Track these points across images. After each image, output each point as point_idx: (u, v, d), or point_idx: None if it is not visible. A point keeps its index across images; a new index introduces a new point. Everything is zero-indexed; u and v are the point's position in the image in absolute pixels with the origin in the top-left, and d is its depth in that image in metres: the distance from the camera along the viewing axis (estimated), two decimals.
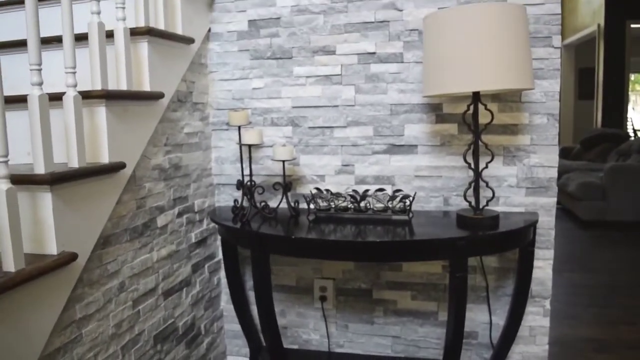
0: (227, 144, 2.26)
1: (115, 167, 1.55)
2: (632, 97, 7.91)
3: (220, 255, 2.34)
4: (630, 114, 7.97)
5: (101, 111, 1.54)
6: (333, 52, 2.11)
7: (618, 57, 6.96)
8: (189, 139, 2.08)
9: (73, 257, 1.36)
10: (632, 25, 6.85)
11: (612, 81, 7.08)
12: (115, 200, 1.60)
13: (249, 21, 2.18)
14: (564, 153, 7.05)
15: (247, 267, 2.33)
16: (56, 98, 1.45)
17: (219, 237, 2.31)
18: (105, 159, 1.55)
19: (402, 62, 2.06)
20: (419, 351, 2.21)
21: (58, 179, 1.32)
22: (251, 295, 2.35)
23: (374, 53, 2.08)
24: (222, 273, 2.36)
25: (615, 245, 4.56)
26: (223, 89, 2.24)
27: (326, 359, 2.22)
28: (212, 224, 2.26)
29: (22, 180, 1.29)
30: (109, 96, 1.53)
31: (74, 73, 1.43)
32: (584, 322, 2.91)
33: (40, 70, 1.30)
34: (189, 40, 2.01)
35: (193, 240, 2.11)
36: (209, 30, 2.22)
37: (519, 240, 1.80)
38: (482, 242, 1.72)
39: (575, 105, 8.35)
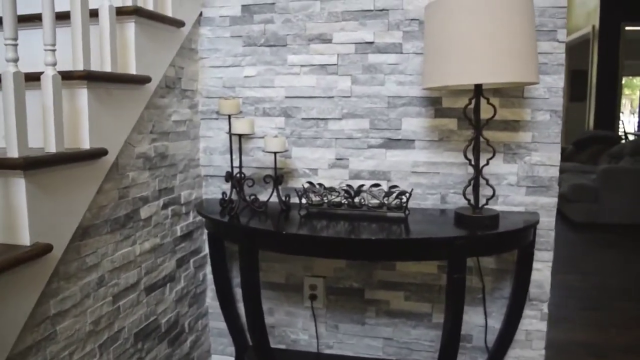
0: (217, 134, 2.17)
1: (96, 154, 1.46)
2: (622, 100, 7.90)
3: (206, 250, 2.25)
4: (622, 116, 7.96)
5: (82, 93, 1.44)
6: (329, 41, 2.03)
7: (612, 59, 6.93)
8: (177, 127, 1.98)
9: (48, 248, 1.27)
10: (627, 28, 6.83)
11: (605, 83, 7.06)
12: (95, 189, 1.50)
13: (243, 6, 2.09)
14: None
15: (235, 263, 2.24)
16: (34, 78, 1.35)
17: (205, 231, 2.21)
18: (85, 144, 1.45)
19: (402, 52, 1.97)
20: (411, 354, 2.13)
21: (32, 164, 1.22)
22: (238, 293, 2.25)
23: (372, 42, 1.99)
24: (208, 269, 2.27)
25: (608, 247, 4.52)
26: (214, 76, 2.14)
27: (315, 359, 2.14)
28: (199, 217, 2.17)
29: None
30: (92, 77, 1.43)
31: (54, 51, 1.33)
32: (578, 325, 2.86)
33: (15, 45, 1.20)
34: (179, 23, 1.91)
35: (178, 234, 2.02)
36: (201, 14, 2.12)
37: (520, 241, 1.73)
38: (482, 242, 1.65)
39: (567, 107, 8.33)
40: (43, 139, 1.34)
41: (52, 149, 1.32)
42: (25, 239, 1.24)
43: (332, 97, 2.04)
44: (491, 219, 1.70)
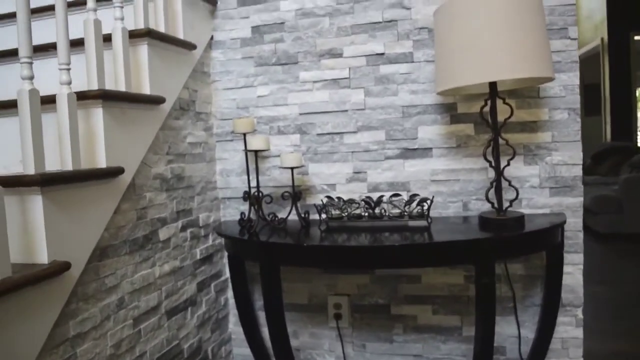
0: (232, 156, 2.16)
1: (112, 172, 1.45)
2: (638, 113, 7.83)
3: (227, 274, 2.21)
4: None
5: (98, 113, 1.45)
6: (340, 55, 2.03)
7: (624, 70, 6.88)
8: (192, 149, 1.98)
9: (66, 266, 1.25)
10: (637, 37, 6.80)
11: (619, 96, 6.99)
12: (113, 209, 1.49)
13: (252, 27, 2.11)
14: None
15: (257, 286, 2.20)
16: (50, 101, 1.36)
17: (225, 255, 2.18)
18: (102, 163, 1.45)
19: (413, 61, 1.96)
20: None
21: (49, 180, 1.21)
22: (261, 317, 2.20)
23: (382, 54, 1.99)
24: (230, 293, 2.23)
25: (634, 256, 4.39)
26: (227, 98, 2.15)
27: None
28: (218, 240, 2.14)
29: (10, 182, 1.18)
30: (106, 96, 1.44)
31: (68, 70, 1.34)
32: (614, 335, 2.75)
33: (31, 63, 1.21)
34: (191, 46, 1.93)
35: (198, 257, 1.99)
36: (212, 38, 2.14)
37: (548, 241, 1.68)
38: (509, 243, 1.59)
39: (584, 122, 8.25)
40: (60, 160, 1.34)
41: (69, 167, 1.32)
42: (43, 257, 1.22)
43: (346, 110, 2.03)
44: (516, 221, 1.65)
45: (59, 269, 1.22)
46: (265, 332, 2.19)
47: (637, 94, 7.30)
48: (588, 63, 8.09)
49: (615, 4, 6.82)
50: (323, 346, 2.17)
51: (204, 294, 2.03)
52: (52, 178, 1.22)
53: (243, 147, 1.96)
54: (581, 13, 7.85)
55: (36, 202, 1.21)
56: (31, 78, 1.21)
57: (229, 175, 2.17)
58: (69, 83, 1.33)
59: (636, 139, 7.18)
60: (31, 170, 1.20)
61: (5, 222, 1.09)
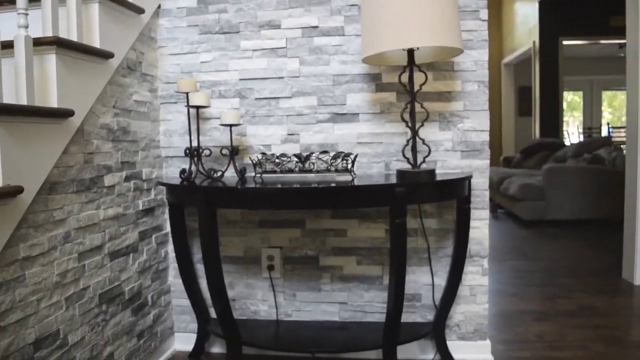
0: (176, 117, 2.31)
1: (63, 113, 1.58)
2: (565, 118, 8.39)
3: (167, 228, 2.36)
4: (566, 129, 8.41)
5: (51, 59, 1.58)
6: (278, 27, 2.22)
7: (553, 73, 7.39)
8: (138, 107, 2.12)
9: (18, 189, 1.38)
10: (565, 42, 7.31)
11: (548, 97, 7.50)
12: (62, 148, 1.62)
13: None
14: (506, 162, 7.38)
15: (195, 240, 2.35)
16: (8, 46, 1.48)
17: (166, 210, 2.33)
18: (54, 105, 1.58)
19: (344, 35, 2.18)
20: (365, 316, 2.27)
21: (6, 110, 1.34)
22: (199, 269, 2.36)
23: (317, 27, 2.19)
24: (170, 247, 2.37)
25: (554, 238, 4.79)
26: (172, 62, 2.30)
27: (275, 327, 2.25)
28: (160, 196, 2.29)
29: None
30: (60, 44, 1.57)
31: (26, 15, 1.47)
32: (524, 298, 3.05)
33: None
34: (139, 10, 2.07)
35: (140, 208, 2.13)
36: (159, 6, 2.29)
37: (455, 190, 1.91)
38: (420, 189, 1.82)
39: (516, 121, 8.77)
40: (16, 99, 1.47)
41: (23, 102, 1.45)
42: None
43: (282, 77, 2.22)
44: (429, 173, 1.88)
45: (12, 190, 1.35)
46: (202, 283, 2.35)
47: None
48: (521, 66, 8.60)
49: (547, 9, 7.31)
50: (257, 296, 2.35)
51: (145, 243, 2.17)
52: (8, 108, 1.35)
53: (186, 110, 2.10)
54: (516, 18, 8.34)
55: None
56: None
57: (171, 135, 2.32)
58: (26, 27, 1.46)
59: (562, 136, 7.69)
60: None
61: None
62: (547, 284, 3.32)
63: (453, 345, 2.22)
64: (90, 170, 1.79)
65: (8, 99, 1.51)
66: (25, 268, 1.48)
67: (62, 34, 1.67)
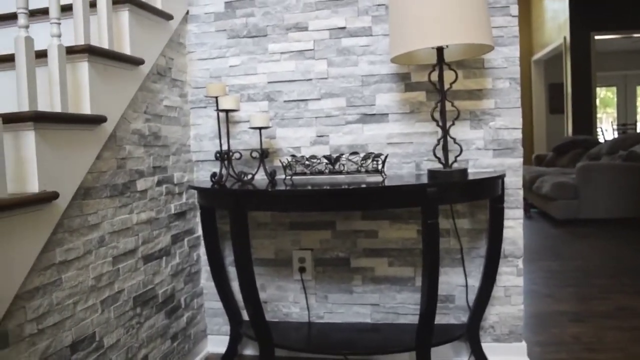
0: (205, 121, 2.33)
1: (96, 119, 1.61)
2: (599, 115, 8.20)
3: (199, 232, 2.38)
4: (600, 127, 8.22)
5: (83, 66, 1.61)
6: (305, 29, 2.22)
7: (585, 68, 7.23)
8: (168, 112, 2.15)
9: (54, 195, 1.40)
10: (597, 37, 7.15)
11: (580, 93, 7.33)
12: (96, 153, 1.65)
13: (225, 2, 2.29)
14: (538, 160, 7.24)
15: (227, 243, 2.37)
16: (42, 55, 1.52)
17: (198, 214, 2.35)
18: (87, 112, 1.61)
19: (371, 35, 2.16)
20: (398, 318, 2.25)
21: (41, 117, 1.37)
22: (231, 272, 2.38)
23: (344, 28, 2.18)
24: (202, 250, 2.40)
25: (588, 238, 4.68)
26: (201, 67, 2.32)
27: (307, 329, 2.25)
28: (192, 199, 2.31)
29: (7, 118, 1.33)
30: (92, 51, 1.60)
31: (59, 24, 1.50)
32: (559, 299, 2.98)
33: (26, 13, 1.37)
34: (168, 16, 2.09)
35: (172, 212, 2.15)
36: (187, 12, 2.31)
37: (488, 190, 1.88)
38: (452, 189, 1.79)
39: (547, 119, 8.60)
40: (50, 106, 1.50)
41: (57, 109, 1.48)
42: (34, 187, 1.38)
43: (311, 79, 2.22)
44: (461, 173, 1.85)
45: (48, 196, 1.38)
46: (235, 286, 2.36)
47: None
48: (552, 63, 8.43)
49: (578, 4, 7.16)
50: (288, 298, 2.35)
51: (177, 246, 2.19)
52: (44, 115, 1.38)
53: (215, 114, 2.12)
54: (546, 14, 8.19)
55: (29, 137, 1.37)
56: (26, 27, 1.37)
57: (202, 139, 2.34)
58: (59, 36, 1.49)
59: (596, 133, 7.52)
60: (26, 108, 1.36)
61: (3, 150, 1.25)
62: (582, 285, 3.24)
63: (488, 347, 2.18)
64: (123, 175, 1.82)
65: (43, 107, 1.55)
66: (61, 272, 1.50)
67: (94, 42, 1.71)
